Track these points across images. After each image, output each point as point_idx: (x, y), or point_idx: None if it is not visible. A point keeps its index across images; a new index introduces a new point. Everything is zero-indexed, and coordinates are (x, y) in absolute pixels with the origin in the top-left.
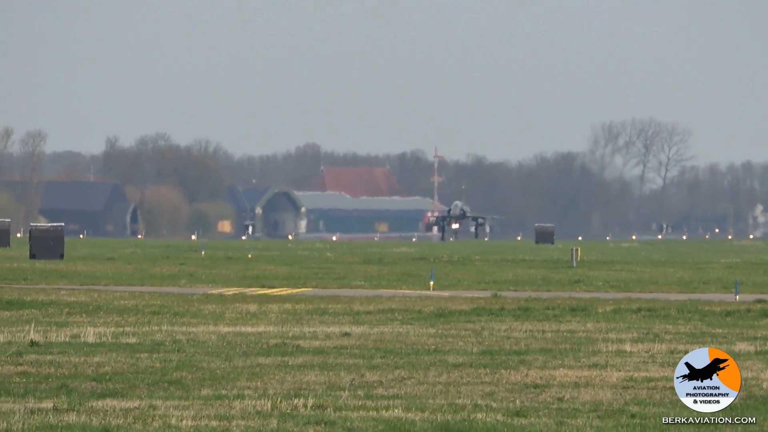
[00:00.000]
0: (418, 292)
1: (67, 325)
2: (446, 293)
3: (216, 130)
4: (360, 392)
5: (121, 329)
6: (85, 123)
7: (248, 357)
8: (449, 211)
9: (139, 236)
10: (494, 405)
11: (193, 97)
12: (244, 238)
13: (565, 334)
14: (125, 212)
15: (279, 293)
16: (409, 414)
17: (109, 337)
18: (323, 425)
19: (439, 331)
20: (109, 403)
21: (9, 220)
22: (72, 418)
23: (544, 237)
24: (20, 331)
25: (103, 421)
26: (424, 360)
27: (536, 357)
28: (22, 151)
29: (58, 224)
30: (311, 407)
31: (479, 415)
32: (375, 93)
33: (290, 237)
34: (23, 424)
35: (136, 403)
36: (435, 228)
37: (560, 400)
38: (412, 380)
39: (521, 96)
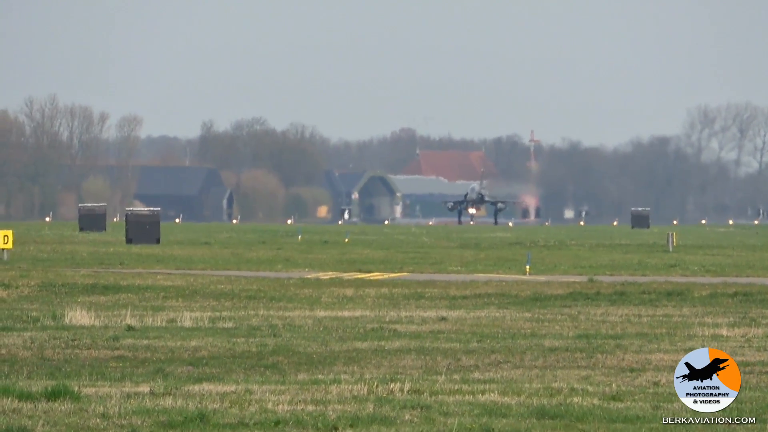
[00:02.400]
0: (514, 276)
1: (163, 309)
2: (542, 278)
3: (312, 114)
4: (456, 376)
5: (218, 314)
6: (180, 107)
7: (345, 341)
8: (466, 195)
9: (235, 221)
10: (590, 389)
11: (290, 81)
12: (340, 222)
13: (661, 318)
14: (221, 197)
15: (375, 278)
16: (505, 398)
17: (206, 322)
18: (419, 409)
19: (535, 316)
20: (206, 387)
21: (105, 204)
22: (168, 402)
23: (639, 221)
24: (117, 316)
25: (199, 405)
26: (520, 344)
27: (632, 341)
28: (118, 136)
29: (155, 209)
30: (407, 392)
31: (575, 399)
32: (470, 77)
33: (386, 222)
34: (120, 408)
35: (233, 388)
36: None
37: (656, 384)
38: (508, 364)
39: (617, 80)
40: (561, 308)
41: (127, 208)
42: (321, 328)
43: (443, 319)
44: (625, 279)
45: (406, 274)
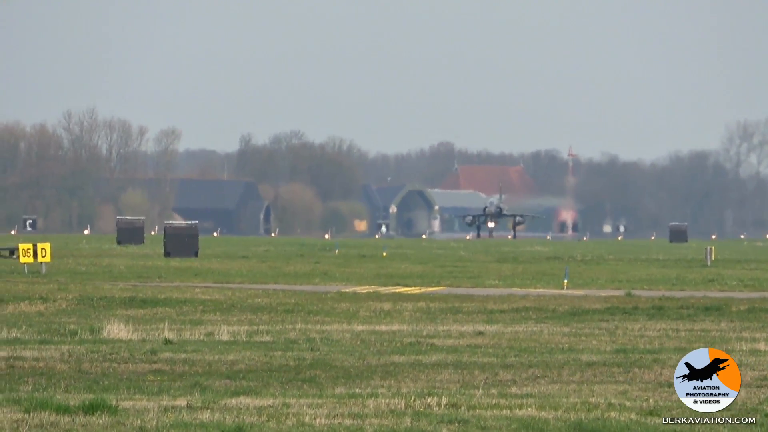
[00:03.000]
0: (551, 291)
1: (201, 323)
2: (580, 292)
3: (350, 128)
4: (494, 391)
5: (255, 327)
6: (219, 121)
7: (382, 355)
8: (485, 209)
9: (273, 234)
10: (628, 404)
11: (328, 95)
12: (377, 236)
13: (699, 333)
14: (259, 210)
15: (413, 292)
16: (543, 413)
17: (243, 336)
18: (457, 424)
19: (573, 330)
20: (243, 401)
21: (143, 218)
22: (206, 416)
23: (677, 236)
24: (155, 330)
25: (236, 419)
26: (557, 359)
27: (670, 356)
28: (157, 149)
29: (193, 222)
30: (445, 406)
31: (613, 414)
32: (509, 91)
33: (424, 236)
34: (157, 421)
35: (270, 401)
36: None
37: None
38: (546, 379)
39: (655, 94)
40: (599, 323)
41: (165, 222)
42: (358, 342)
43: (480, 333)
44: (662, 293)
45: (443, 288)
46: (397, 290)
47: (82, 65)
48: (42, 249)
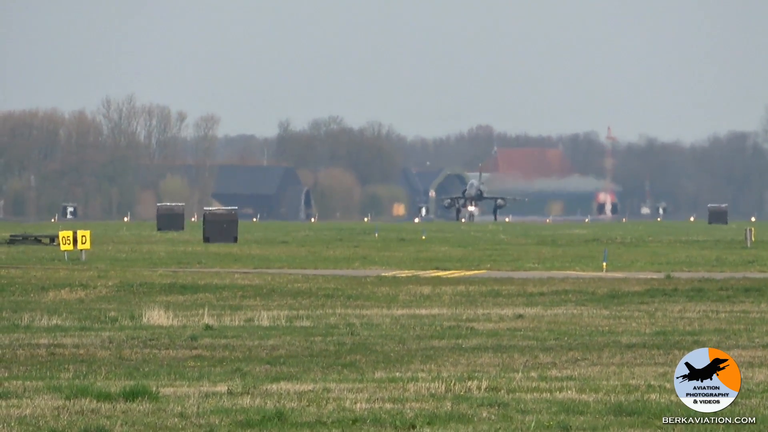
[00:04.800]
0: (591, 273)
1: (241, 308)
2: (619, 274)
3: (389, 112)
4: (533, 374)
5: (295, 312)
6: (258, 106)
7: (422, 339)
8: (464, 191)
9: (313, 219)
10: (668, 386)
11: (366, 79)
12: (417, 220)
13: (738, 314)
14: (298, 195)
15: (452, 275)
16: (583, 395)
17: (283, 321)
18: (497, 407)
19: (613, 313)
20: (284, 386)
21: (183, 204)
22: (246, 401)
23: (717, 217)
24: (195, 315)
25: (277, 404)
26: (597, 341)
27: (710, 337)
28: (196, 135)
29: (232, 208)
30: (485, 389)
31: (653, 396)
32: (547, 73)
33: (463, 220)
34: (198, 407)
35: (311, 386)
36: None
37: None
38: (586, 361)
39: (694, 75)
40: (638, 305)
41: (204, 208)
42: (398, 327)
43: (520, 316)
44: (702, 275)
45: (483, 271)
46: (436, 274)
47: (120, 52)
48: (82, 236)
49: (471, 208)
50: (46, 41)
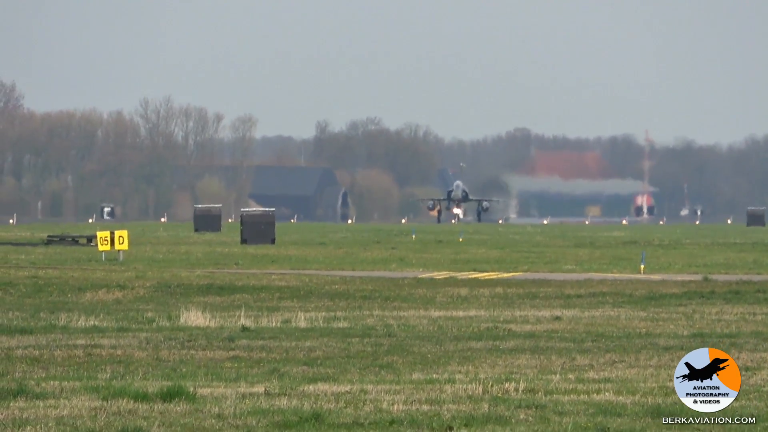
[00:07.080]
0: (628, 275)
1: (278, 310)
2: (657, 277)
3: (426, 114)
4: (571, 376)
5: (332, 314)
6: (295, 107)
7: (459, 341)
8: (450, 192)
9: (350, 221)
10: None
11: (404, 81)
12: (454, 222)
13: None
14: (336, 196)
15: (490, 277)
16: (620, 397)
17: (321, 322)
18: (534, 409)
19: (650, 315)
20: (321, 387)
21: (220, 205)
22: (283, 402)
23: (755, 220)
24: (232, 317)
25: (314, 406)
26: (635, 343)
27: (747, 340)
28: (233, 136)
29: (269, 209)
30: (522, 391)
31: None
32: (585, 76)
33: (500, 222)
34: (235, 408)
35: (348, 388)
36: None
37: None
38: (623, 363)
39: (731, 78)
40: (676, 307)
41: (242, 209)
42: (435, 328)
43: (558, 318)
44: (740, 278)
45: (520, 273)
46: (473, 276)
47: (158, 53)
48: (119, 237)
49: (456, 210)
50: (84, 42)
